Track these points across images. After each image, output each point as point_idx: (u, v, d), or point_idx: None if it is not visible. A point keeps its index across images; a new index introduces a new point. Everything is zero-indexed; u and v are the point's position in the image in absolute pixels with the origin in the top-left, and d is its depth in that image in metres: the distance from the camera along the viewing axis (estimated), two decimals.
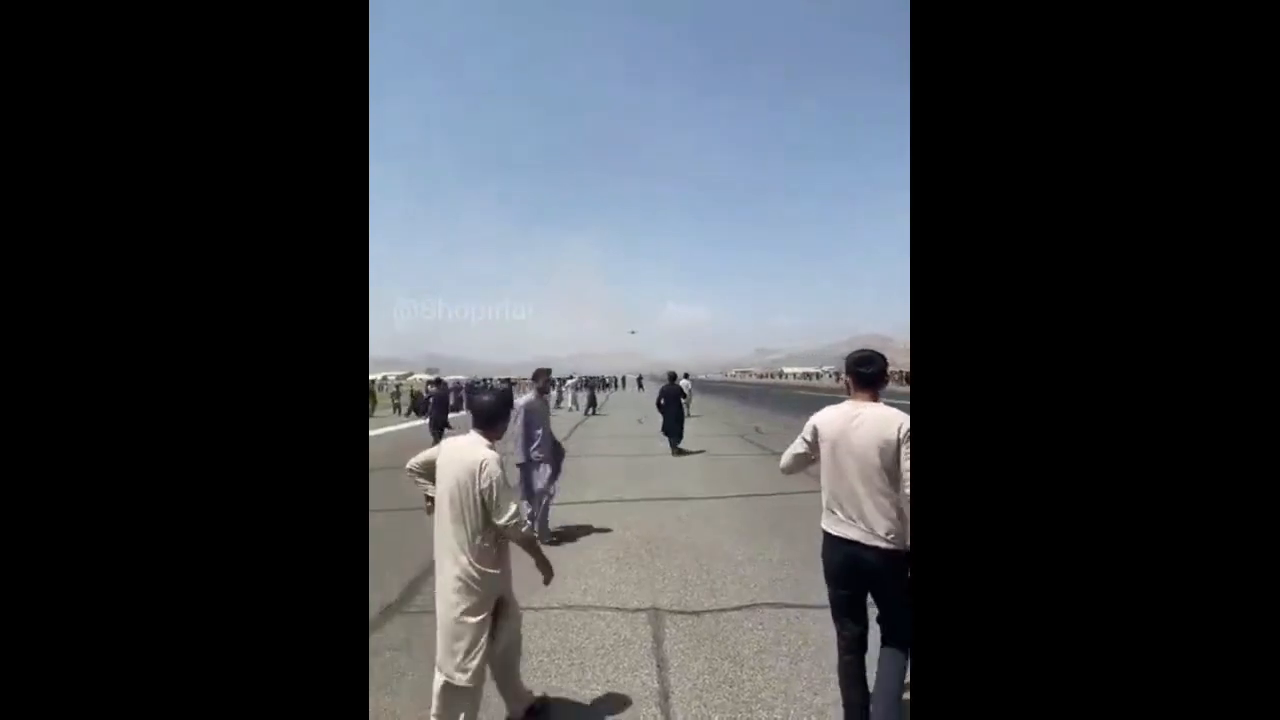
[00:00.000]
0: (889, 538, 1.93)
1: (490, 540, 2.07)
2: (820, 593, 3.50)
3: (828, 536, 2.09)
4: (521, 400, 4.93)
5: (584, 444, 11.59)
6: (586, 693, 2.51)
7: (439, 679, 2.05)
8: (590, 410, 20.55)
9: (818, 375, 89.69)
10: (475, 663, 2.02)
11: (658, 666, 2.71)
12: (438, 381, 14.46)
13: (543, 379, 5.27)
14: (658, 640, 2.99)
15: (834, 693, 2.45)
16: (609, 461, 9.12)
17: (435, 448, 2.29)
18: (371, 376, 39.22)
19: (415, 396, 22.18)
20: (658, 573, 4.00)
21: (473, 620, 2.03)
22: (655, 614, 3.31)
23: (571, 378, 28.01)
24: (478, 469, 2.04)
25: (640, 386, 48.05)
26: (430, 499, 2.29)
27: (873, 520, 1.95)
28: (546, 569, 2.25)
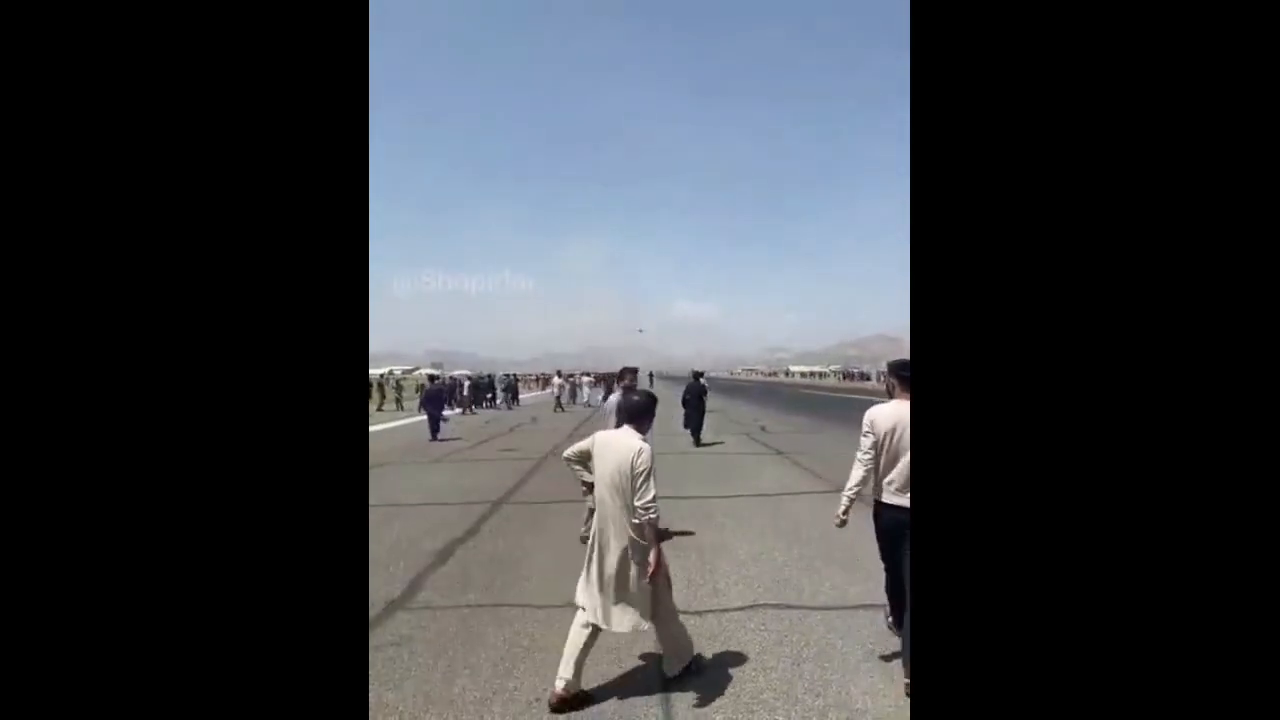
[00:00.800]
0: None
1: (640, 514, 2.39)
2: (823, 594, 3.54)
3: (881, 504, 2.70)
4: (613, 399, 4.83)
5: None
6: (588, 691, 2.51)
7: (660, 633, 2.54)
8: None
9: (822, 375, 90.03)
10: (653, 604, 2.45)
11: (659, 666, 2.72)
12: (432, 379, 14.65)
13: (630, 377, 5.02)
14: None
15: (835, 695, 2.46)
16: None
17: (588, 439, 2.63)
18: (376, 371, 39.33)
19: (421, 390, 22.51)
20: None
21: (643, 579, 2.41)
22: None
23: (588, 375, 28.91)
24: (635, 455, 2.41)
25: (651, 383, 47.76)
26: (586, 484, 2.67)
27: None
28: (659, 561, 2.44)
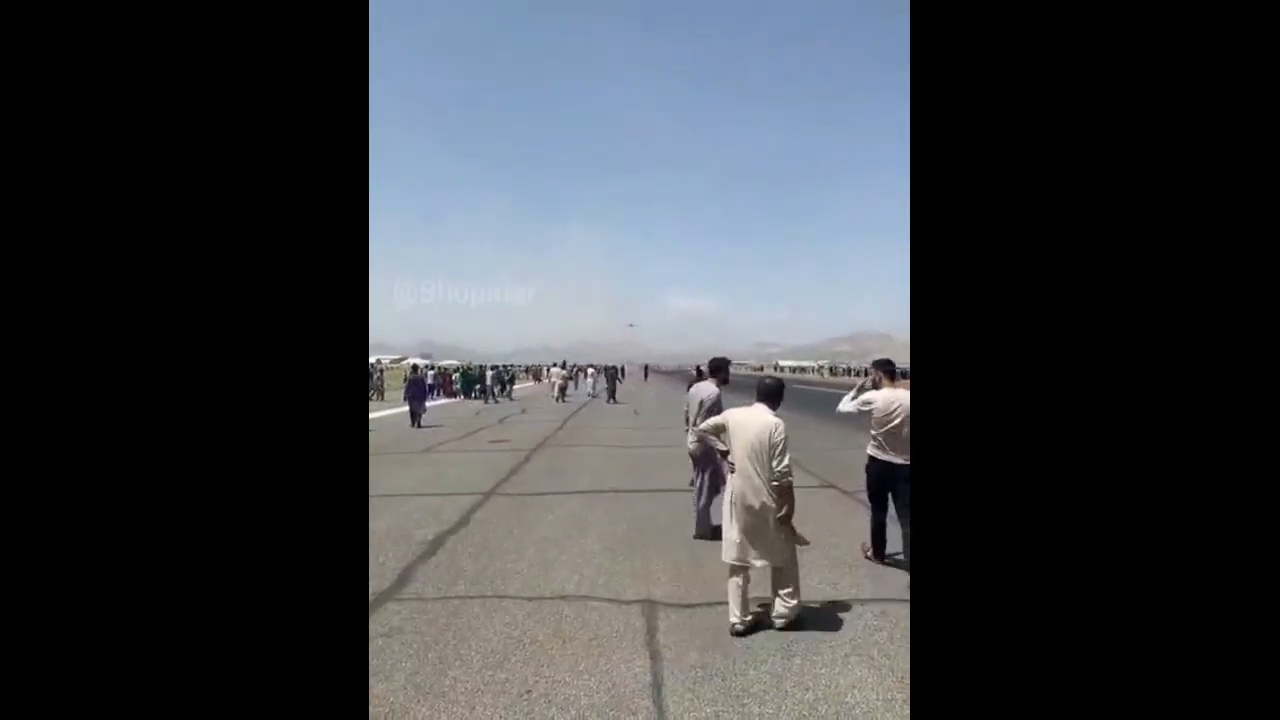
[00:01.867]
0: (906, 459, 3.77)
1: (779, 478, 2.97)
2: (813, 589, 3.57)
3: (873, 459, 3.95)
4: (710, 390, 4.74)
5: (579, 434, 11.61)
6: (579, 683, 2.52)
7: (776, 571, 3.03)
8: (612, 398, 20.92)
9: (804, 370, 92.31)
10: (788, 548, 3.03)
11: (650, 658, 2.73)
12: (414, 368, 14.93)
13: (725, 371, 4.96)
14: (651, 632, 3.01)
15: (824, 688, 2.49)
16: (605, 451, 9.16)
17: (721, 415, 3.22)
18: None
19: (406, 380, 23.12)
20: (652, 564, 4.02)
21: (773, 532, 2.98)
22: (649, 606, 3.34)
23: (592, 366, 30.73)
24: (773, 428, 2.98)
25: (646, 376, 49.02)
26: (723, 452, 3.23)
27: (901, 451, 3.81)
28: (791, 508, 3.03)
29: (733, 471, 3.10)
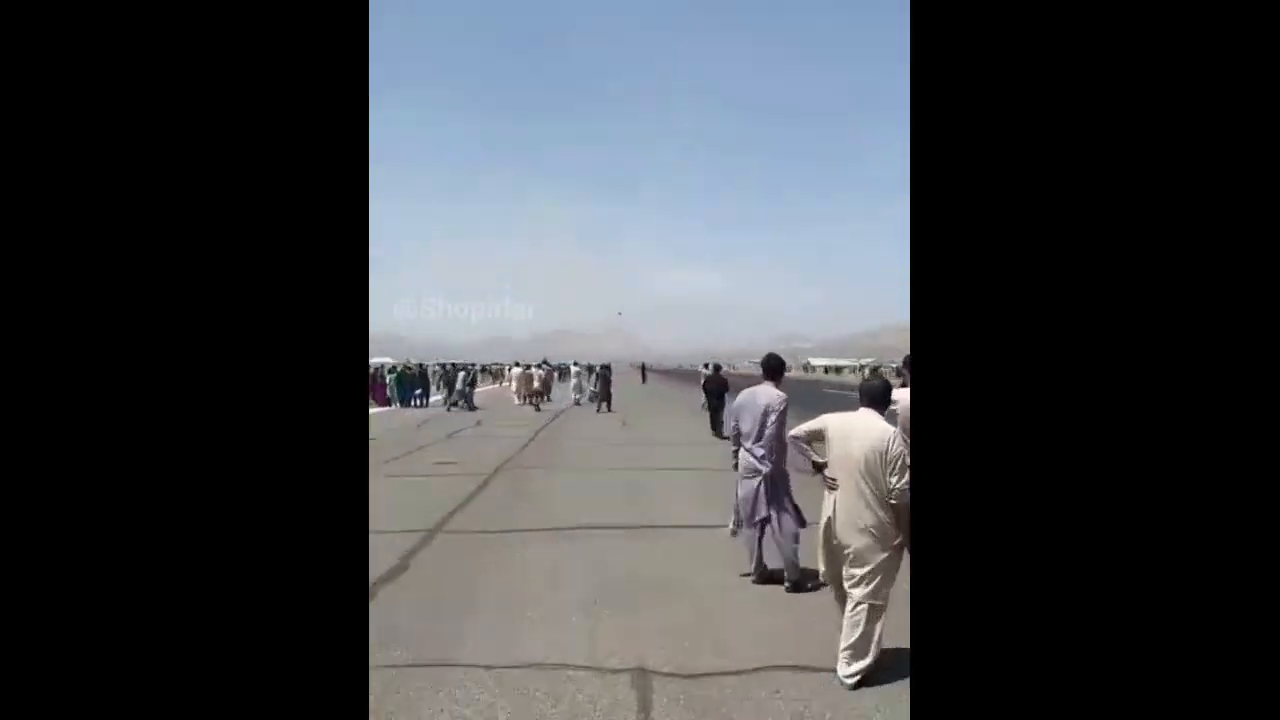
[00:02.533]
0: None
1: (898, 496, 3.10)
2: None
3: None
4: (773, 394, 4.58)
5: (554, 451, 11.61)
6: None
7: (858, 607, 3.16)
8: (605, 405, 20.05)
9: (839, 370, 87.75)
10: (887, 589, 3.19)
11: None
12: (409, 367, 15.91)
13: (781, 372, 4.87)
14: (644, 709, 2.99)
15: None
16: (585, 477, 9.16)
17: (818, 421, 3.43)
18: None
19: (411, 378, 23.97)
20: (645, 622, 4.00)
21: (887, 558, 3.15)
22: (641, 675, 3.31)
23: (576, 364, 31.69)
24: (891, 438, 3.13)
25: (644, 377, 46.13)
26: (818, 464, 3.46)
27: None
28: (909, 539, 3.13)
29: (832, 489, 3.29)
